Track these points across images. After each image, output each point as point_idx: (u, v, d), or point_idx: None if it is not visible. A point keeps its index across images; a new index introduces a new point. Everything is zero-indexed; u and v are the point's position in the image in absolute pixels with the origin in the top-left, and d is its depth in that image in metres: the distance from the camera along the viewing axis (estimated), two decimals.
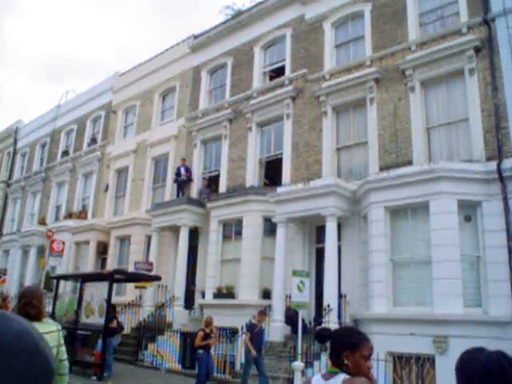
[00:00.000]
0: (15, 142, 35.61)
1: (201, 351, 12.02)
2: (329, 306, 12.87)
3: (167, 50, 24.13)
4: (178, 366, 15.57)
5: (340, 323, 12.92)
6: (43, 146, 32.59)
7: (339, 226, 14.18)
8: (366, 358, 2.69)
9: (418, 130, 14.08)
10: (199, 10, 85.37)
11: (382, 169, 14.10)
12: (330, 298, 13.05)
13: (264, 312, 12.92)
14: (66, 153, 29.68)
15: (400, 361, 11.58)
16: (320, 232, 14.83)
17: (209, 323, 12.47)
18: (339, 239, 14.22)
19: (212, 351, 14.87)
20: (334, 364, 2.77)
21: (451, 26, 14.36)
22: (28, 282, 25.39)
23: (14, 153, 35.40)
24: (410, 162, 13.65)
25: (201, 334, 12.11)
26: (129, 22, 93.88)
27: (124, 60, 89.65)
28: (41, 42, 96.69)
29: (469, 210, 12.08)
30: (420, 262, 12.05)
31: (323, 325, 12.13)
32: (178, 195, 19.55)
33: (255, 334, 12.00)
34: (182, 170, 19.65)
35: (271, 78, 19.15)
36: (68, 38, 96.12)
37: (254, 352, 11.73)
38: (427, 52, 14.24)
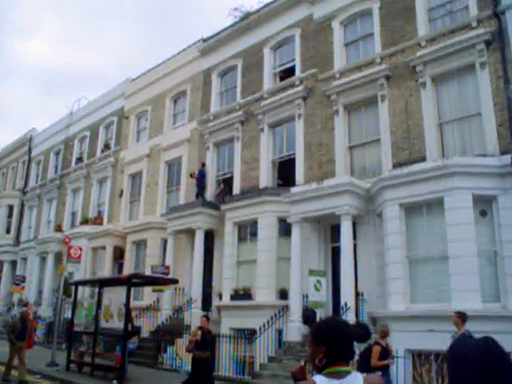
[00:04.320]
0: (30, 150, 36.00)
1: (379, 373, 8.74)
2: (346, 304, 12.88)
3: (177, 54, 24.27)
4: None
5: (358, 322, 12.91)
6: (57, 153, 32.91)
7: (354, 225, 14.18)
8: None
9: (430, 126, 14.03)
10: (204, 15, 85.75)
11: (395, 166, 14.07)
12: (347, 296, 13.05)
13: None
14: (80, 159, 29.97)
15: (419, 358, 11.55)
16: (335, 231, 14.83)
17: (385, 333, 9.76)
18: (354, 237, 14.21)
19: (230, 352, 14.95)
20: (346, 363, 2.61)
21: (461, 20, 14.28)
22: (47, 289, 25.71)
23: (29, 161, 35.78)
24: (423, 159, 13.61)
25: (377, 349, 9.27)
26: (130, 32, 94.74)
27: (127, 69, 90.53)
28: (42, 56, 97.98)
29: (484, 205, 12.01)
30: (436, 258, 12.01)
31: None
32: (197, 197, 19.58)
33: None
34: (197, 174, 19.74)
35: (281, 79, 19.17)
36: (69, 52, 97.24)
37: None
38: (437, 47, 14.18)
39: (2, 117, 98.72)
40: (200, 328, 11.26)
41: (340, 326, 2.71)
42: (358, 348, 9.32)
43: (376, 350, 9.18)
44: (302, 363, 2.98)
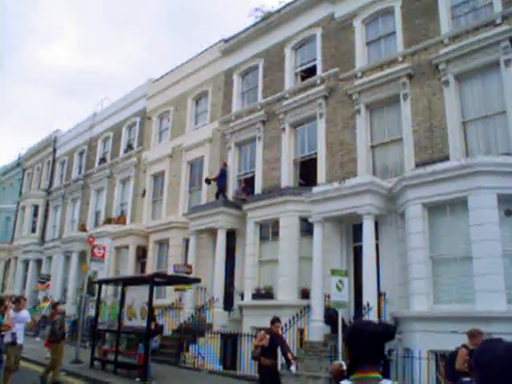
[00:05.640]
0: (54, 150, 36.53)
1: (466, 379, 7.88)
2: (368, 304, 12.81)
3: (198, 55, 24.39)
4: (219, 367, 15.74)
5: (380, 322, 12.84)
6: (81, 153, 33.34)
7: (376, 224, 14.09)
8: None
9: (453, 125, 13.88)
10: (222, 17, 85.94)
11: (417, 165, 13.95)
12: (369, 296, 12.98)
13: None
14: (103, 160, 30.32)
15: (442, 359, 11.43)
16: (357, 230, 14.75)
17: (474, 335, 8.69)
18: (377, 237, 14.13)
19: (251, 351, 14.95)
20: (372, 367, 2.54)
21: (484, 17, 14.10)
22: (71, 287, 26.07)
23: (54, 161, 36.30)
24: (446, 158, 13.47)
25: (463, 352, 8.32)
26: (149, 36, 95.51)
27: (146, 72, 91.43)
28: (62, 61, 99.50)
29: (509, 204, 11.81)
30: (460, 259, 11.87)
31: None
32: (217, 197, 19.64)
33: None
34: (215, 176, 19.81)
35: (303, 78, 19.15)
36: (89, 56, 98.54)
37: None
38: (460, 45, 14.02)
39: (26, 119, 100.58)
40: (269, 331, 9.89)
41: (359, 324, 2.71)
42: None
43: (462, 352, 8.38)
44: (341, 364, 2.97)
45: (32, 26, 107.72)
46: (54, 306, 14.86)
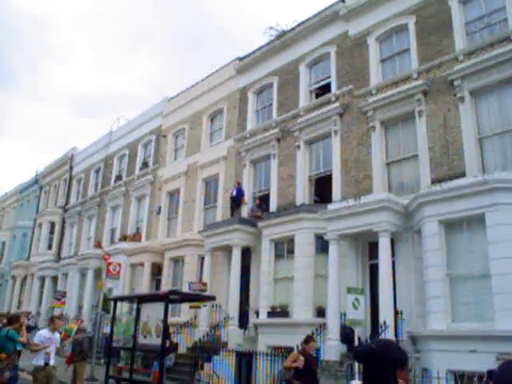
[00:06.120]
0: (71, 168, 36.91)
1: None
2: (385, 323, 12.66)
3: (213, 73, 24.61)
4: None
5: (397, 340, 12.66)
6: (97, 171, 33.65)
7: (392, 242, 13.97)
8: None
9: (469, 141, 13.79)
10: (235, 37, 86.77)
11: (433, 182, 13.85)
12: (385, 314, 12.83)
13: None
14: (119, 177, 30.55)
15: (461, 379, 11.22)
16: (373, 248, 14.64)
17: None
18: (393, 255, 13.99)
19: (267, 369, 14.81)
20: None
21: (499, 33, 14.07)
22: (86, 304, 26.13)
23: (70, 179, 36.67)
24: (462, 174, 13.36)
25: None
26: (161, 56, 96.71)
27: (159, 91, 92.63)
28: (76, 82, 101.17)
29: None
30: (478, 277, 11.69)
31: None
32: (232, 215, 19.63)
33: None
34: (234, 193, 19.79)
35: (317, 96, 19.20)
36: (103, 76, 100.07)
37: None
38: (476, 61, 13.98)
39: (42, 138, 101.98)
40: (300, 351, 9.43)
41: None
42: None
43: None
44: None
45: (46, 46, 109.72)
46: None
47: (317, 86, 19.45)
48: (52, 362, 9.83)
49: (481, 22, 14.85)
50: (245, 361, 16.33)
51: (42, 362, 9.54)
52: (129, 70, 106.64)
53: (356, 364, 11.47)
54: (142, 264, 23.29)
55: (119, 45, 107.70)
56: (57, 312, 27.85)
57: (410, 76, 15.70)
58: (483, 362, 10.62)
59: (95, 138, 35.70)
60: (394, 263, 13.98)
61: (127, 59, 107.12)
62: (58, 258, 34.02)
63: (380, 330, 12.60)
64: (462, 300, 11.95)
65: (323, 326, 14.55)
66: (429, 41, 15.55)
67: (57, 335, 10.27)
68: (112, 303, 17.83)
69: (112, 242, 28.57)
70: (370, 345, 2.69)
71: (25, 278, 36.78)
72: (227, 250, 18.88)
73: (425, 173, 14.51)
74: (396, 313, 13.28)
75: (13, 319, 10.04)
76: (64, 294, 26.98)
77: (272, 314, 16.22)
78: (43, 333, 9.93)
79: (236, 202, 19.69)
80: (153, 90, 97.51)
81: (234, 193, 19.70)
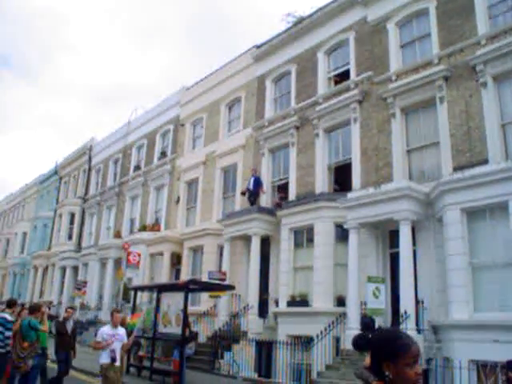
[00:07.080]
0: (90, 159, 37.13)
1: None
2: (406, 312, 12.53)
3: (231, 61, 24.46)
4: (254, 375, 15.63)
5: (418, 330, 12.56)
6: (116, 161, 33.81)
7: (413, 230, 13.81)
8: (411, 365, 2.37)
9: (492, 127, 13.50)
10: (249, 26, 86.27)
11: (455, 169, 13.62)
12: (406, 304, 12.70)
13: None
14: (137, 167, 30.65)
15: (484, 369, 11.08)
16: (393, 236, 14.48)
17: None
18: (414, 243, 13.84)
19: (287, 358, 14.81)
20: (377, 376, 2.47)
21: None
22: (107, 294, 26.38)
23: (89, 169, 36.91)
24: (485, 161, 13.10)
25: None
26: (178, 46, 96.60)
27: (177, 81, 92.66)
28: (92, 74, 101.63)
29: None
30: (502, 265, 11.50)
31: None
32: (251, 204, 19.52)
33: None
34: (251, 182, 19.66)
35: (336, 83, 18.98)
36: (116, 69, 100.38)
37: None
38: (499, 45, 13.65)
39: (60, 130, 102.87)
40: None
41: None
42: None
43: None
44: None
45: (62, 39, 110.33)
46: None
47: (335, 73, 19.22)
48: (118, 362, 9.12)
49: (504, 4, 14.47)
50: (264, 350, 16.38)
51: (107, 360, 8.88)
52: (144, 61, 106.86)
53: None
54: (161, 254, 23.40)
55: (134, 37, 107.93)
56: (77, 301, 28.20)
57: (431, 61, 15.41)
58: (507, 351, 10.48)
59: (113, 128, 35.86)
60: (414, 252, 13.82)
61: (142, 51, 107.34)
62: (79, 247, 34.36)
63: (401, 320, 12.48)
64: (484, 289, 11.78)
65: (343, 316, 14.48)
66: (450, 25, 15.23)
67: (121, 330, 9.43)
68: (132, 293, 17.99)
69: (131, 232, 28.72)
70: (367, 335, 2.69)
71: (46, 268, 37.24)
72: (246, 239, 18.85)
73: (446, 160, 14.27)
74: (417, 302, 13.14)
75: (34, 309, 10.11)
76: (84, 284, 27.28)
77: (292, 303, 16.19)
78: (105, 329, 9.24)
79: (253, 194, 19.48)
80: (168, 81, 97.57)
81: (251, 185, 19.55)
